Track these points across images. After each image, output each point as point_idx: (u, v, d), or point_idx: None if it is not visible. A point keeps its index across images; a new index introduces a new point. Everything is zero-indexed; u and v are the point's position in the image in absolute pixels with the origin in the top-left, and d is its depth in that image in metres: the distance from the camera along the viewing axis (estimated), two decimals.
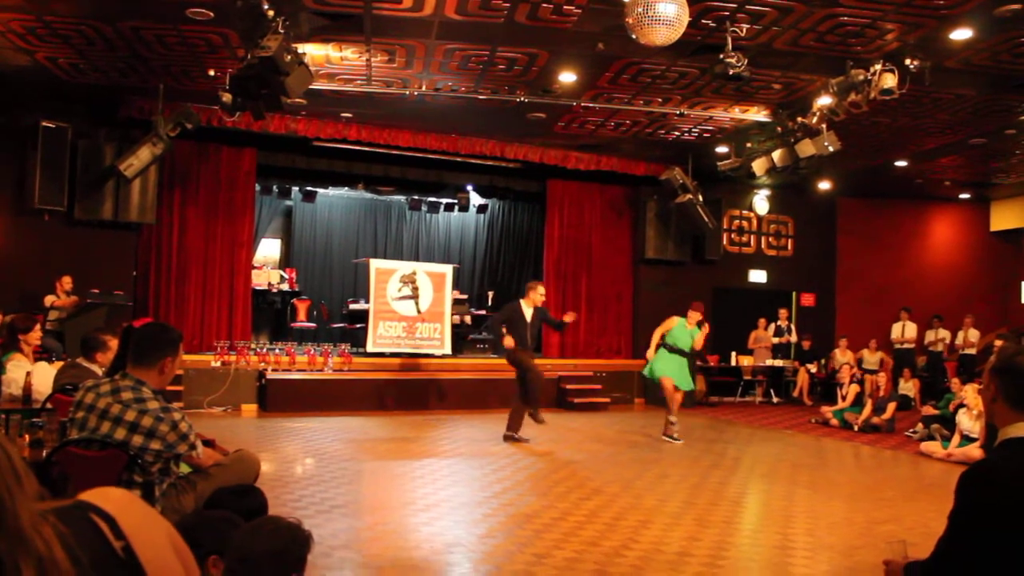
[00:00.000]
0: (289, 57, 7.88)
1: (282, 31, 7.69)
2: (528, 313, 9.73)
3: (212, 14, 8.21)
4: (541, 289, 9.94)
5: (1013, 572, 2.05)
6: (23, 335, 6.07)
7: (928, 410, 11.73)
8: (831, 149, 10.71)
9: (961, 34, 8.23)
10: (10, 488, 1.05)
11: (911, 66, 8.83)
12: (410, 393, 12.47)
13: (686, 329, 10.19)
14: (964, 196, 16.88)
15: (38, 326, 6.58)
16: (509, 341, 9.62)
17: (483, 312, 15.67)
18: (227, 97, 9.05)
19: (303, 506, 6.21)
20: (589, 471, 8.14)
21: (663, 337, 10.20)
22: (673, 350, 10.12)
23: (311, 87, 8.88)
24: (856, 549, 5.59)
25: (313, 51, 9.18)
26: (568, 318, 10.04)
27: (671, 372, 10.08)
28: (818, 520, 6.42)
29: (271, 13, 7.55)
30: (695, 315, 10.25)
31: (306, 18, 8.14)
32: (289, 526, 2.44)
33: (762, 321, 15.76)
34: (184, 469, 4.02)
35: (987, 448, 8.73)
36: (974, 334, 15.55)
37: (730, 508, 6.75)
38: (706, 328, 10.36)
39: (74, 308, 10.73)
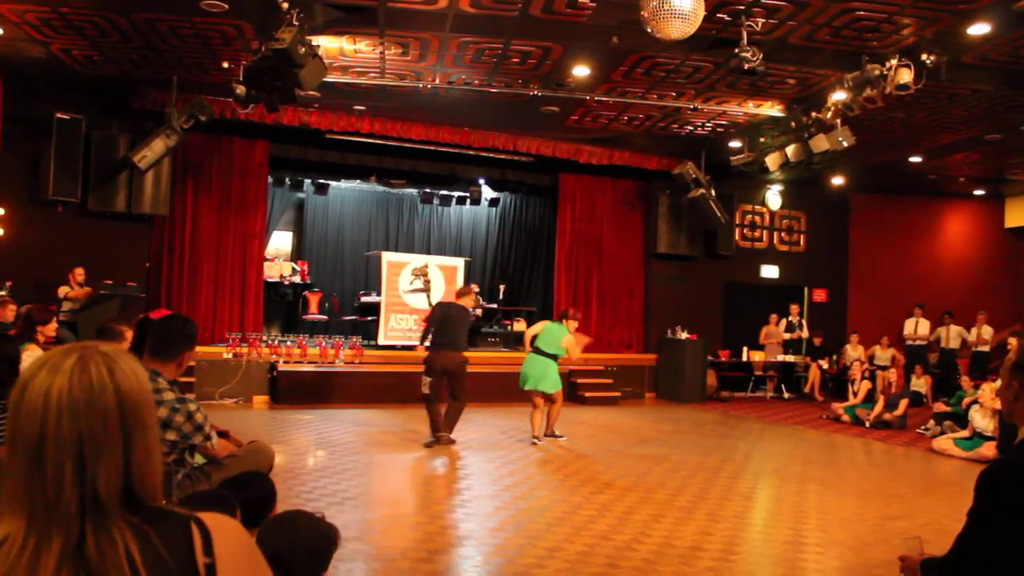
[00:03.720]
0: (303, 49, 7.88)
1: (296, 23, 7.68)
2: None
3: (226, 6, 8.22)
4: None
5: None
6: (40, 326, 6.10)
7: (940, 407, 11.67)
8: (845, 144, 10.66)
9: (979, 29, 8.17)
10: None
11: (927, 61, 8.77)
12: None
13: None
14: (978, 192, 16.78)
15: (55, 318, 6.62)
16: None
17: (495, 306, 15.67)
18: (241, 89, 9.05)
19: (315, 498, 6.23)
20: (600, 465, 8.14)
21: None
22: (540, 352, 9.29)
23: (325, 79, 8.87)
24: (867, 545, 5.58)
25: (327, 43, 9.18)
26: None
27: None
28: (829, 516, 6.40)
29: (285, 5, 7.54)
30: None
31: (320, 10, 8.14)
32: (321, 522, 2.36)
33: (773, 316, 15.70)
34: (199, 460, 4.04)
35: (1003, 447, 8.69)
36: (987, 331, 15.45)
37: (741, 503, 6.75)
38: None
39: (87, 299, 10.77)
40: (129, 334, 5.10)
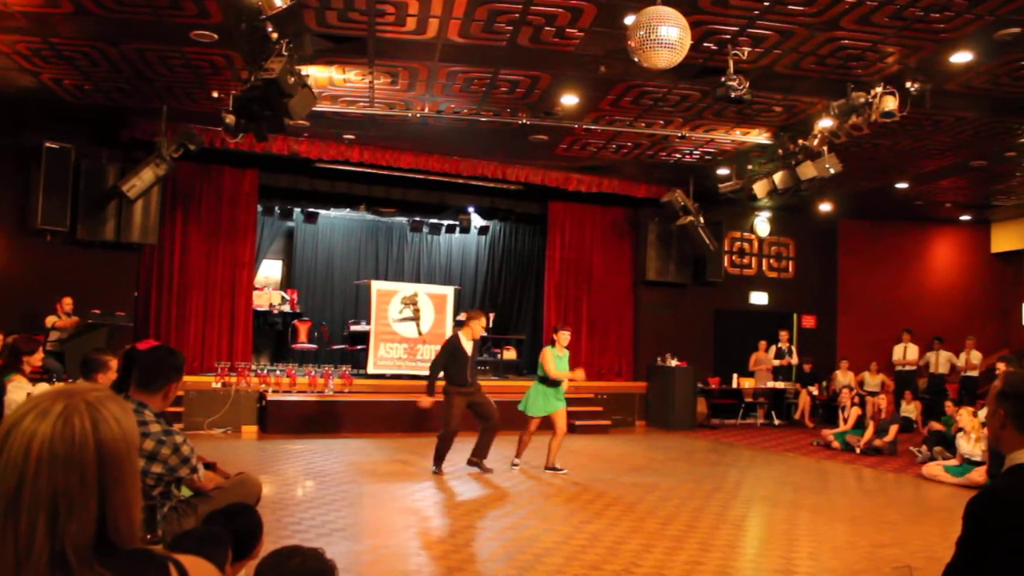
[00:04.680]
0: (292, 79, 7.91)
1: (286, 53, 7.71)
2: (468, 347, 8.99)
3: (216, 36, 8.26)
4: (483, 320, 9.18)
5: None
6: (26, 356, 6.05)
7: (934, 425, 11.75)
8: (832, 171, 10.73)
9: (961, 57, 8.27)
10: None
11: (912, 89, 8.86)
12: (411, 415, 12.40)
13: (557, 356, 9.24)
14: (965, 218, 16.90)
15: (41, 348, 6.57)
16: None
17: (484, 334, 15.61)
18: (230, 118, 9.07)
19: (303, 529, 6.18)
20: (591, 494, 8.10)
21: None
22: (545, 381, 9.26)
23: (314, 109, 8.90)
24: (858, 574, 5.55)
25: (316, 73, 9.22)
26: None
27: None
28: (821, 544, 6.38)
29: (275, 35, 7.58)
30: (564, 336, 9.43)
31: (310, 40, 8.19)
32: (317, 557, 2.33)
33: (763, 343, 15.72)
34: (185, 492, 4.01)
35: (992, 473, 8.69)
36: (976, 356, 15.49)
37: (732, 531, 6.72)
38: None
39: (75, 329, 10.71)
40: (114, 363, 5.07)
